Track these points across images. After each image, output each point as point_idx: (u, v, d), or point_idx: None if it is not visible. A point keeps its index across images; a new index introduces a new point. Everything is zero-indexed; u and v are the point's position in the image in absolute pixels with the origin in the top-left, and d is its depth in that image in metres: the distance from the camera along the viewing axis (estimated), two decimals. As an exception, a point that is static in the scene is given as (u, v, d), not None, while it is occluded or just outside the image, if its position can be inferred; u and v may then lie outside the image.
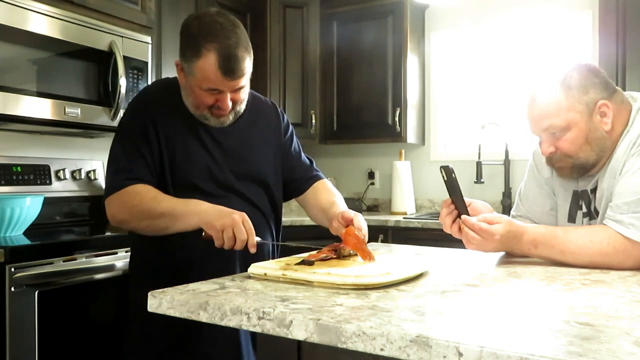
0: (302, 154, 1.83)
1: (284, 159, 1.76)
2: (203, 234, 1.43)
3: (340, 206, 1.64)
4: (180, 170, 1.57)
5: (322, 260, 1.32)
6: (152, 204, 1.48)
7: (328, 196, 1.72)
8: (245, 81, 1.52)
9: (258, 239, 1.42)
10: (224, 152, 1.61)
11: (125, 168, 1.54)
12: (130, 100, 1.76)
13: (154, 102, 1.62)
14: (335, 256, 1.36)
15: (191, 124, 1.59)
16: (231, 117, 1.59)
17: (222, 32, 1.46)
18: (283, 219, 1.82)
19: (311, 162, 1.84)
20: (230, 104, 1.53)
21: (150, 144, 1.55)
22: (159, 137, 1.56)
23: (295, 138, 1.83)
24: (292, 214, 3.49)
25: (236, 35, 1.47)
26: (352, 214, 1.47)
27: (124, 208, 1.52)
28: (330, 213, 1.58)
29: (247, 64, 1.50)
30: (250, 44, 1.52)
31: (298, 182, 1.78)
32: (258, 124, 1.70)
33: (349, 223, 1.44)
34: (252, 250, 1.40)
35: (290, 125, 1.82)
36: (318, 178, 1.80)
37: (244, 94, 1.58)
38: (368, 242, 1.46)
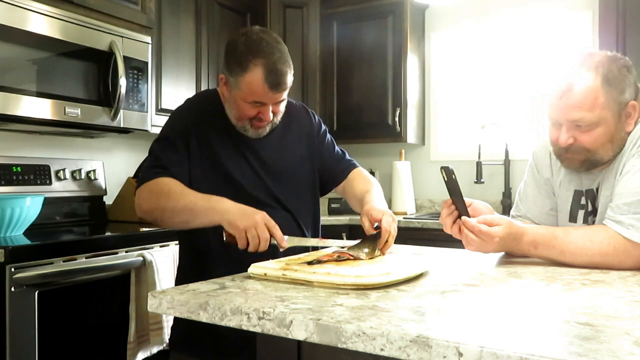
0: (336, 147, 1.87)
1: (319, 154, 1.80)
2: (225, 238, 1.42)
3: (375, 197, 1.64)
4: (217, 176, 1.62)
5: (336, 260, 1.30)
6: (176, 197, 1.51)
7: (363, 185, 1.74)
8: (286, 94, 1.60)
9: (286, 237, 1.42)
10: (260, 160, 1.66)
11: (157, 159, 1.60)
12: (129, 100, 1.73)
13: (196, 110, 1.68)
14: (352, 258, 1.33)
15: (229, 133, 1.65)
16: (268, 129, 1.66)
17: (267, 48, 1.54)
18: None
19: (344, 153, 1.88)
20: (271, 115, 1.60)
21: (188, 140, 1.61)
22: (199, 140, 1.62)
23: (328, 134, 1.87)
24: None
25: (280, 51, 1.56)
26: (380, 214, 1.47)
27: (150, 198, 1.55)
28: (362, 205, 1.59)
29: (290, 78, 1.58)
30: (290, 58, 1.60)
31: (333, 173, 1.81)
32: (292, 129, 1.76)
33: (376, 222, 1.46)
34: (283, 244, 1.41)
35: (322, 123, 1.87)
36: (352, 167, 1.83)
37: (283, 107, 1.65)
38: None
